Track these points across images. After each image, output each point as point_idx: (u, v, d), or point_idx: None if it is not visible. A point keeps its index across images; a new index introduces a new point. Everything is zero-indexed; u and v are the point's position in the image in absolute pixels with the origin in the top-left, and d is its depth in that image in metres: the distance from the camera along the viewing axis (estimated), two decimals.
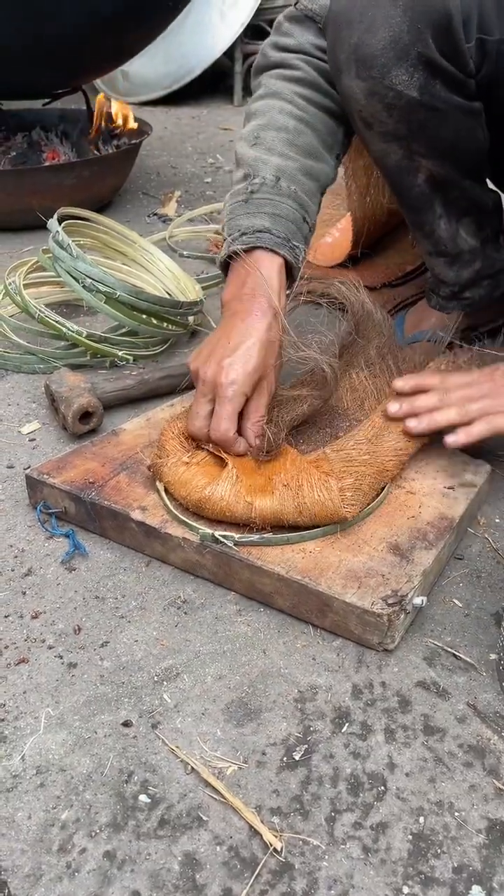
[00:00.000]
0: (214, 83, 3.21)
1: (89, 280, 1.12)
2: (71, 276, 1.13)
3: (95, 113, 1.91)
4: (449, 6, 0.80)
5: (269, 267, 0.86)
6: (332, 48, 0.89)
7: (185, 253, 1.53)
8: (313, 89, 0.94)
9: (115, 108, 1.93)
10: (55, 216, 1.20)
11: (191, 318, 1.26)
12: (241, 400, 0.81)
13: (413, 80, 0.85)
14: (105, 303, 1.13)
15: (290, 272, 0.89)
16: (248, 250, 0.87)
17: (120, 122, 1.92)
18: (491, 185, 1.09)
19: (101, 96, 1.92)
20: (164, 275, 1.33)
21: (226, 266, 0.91)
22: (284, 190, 0.89)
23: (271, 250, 0.86)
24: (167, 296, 1.29)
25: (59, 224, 1.18)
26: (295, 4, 0.95)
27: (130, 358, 1.18)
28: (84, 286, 1.13)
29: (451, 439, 0.83)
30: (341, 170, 1.64)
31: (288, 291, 0.89)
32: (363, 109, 0.90)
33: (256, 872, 0.54)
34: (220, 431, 0.80)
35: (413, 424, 0.85)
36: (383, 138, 0.92)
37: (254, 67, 1.00)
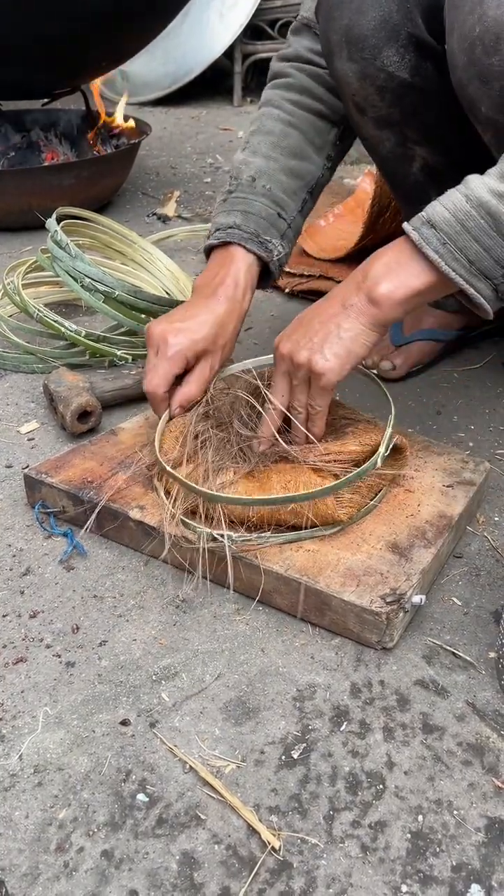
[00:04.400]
0: (214, 83, 3.21)
1: (88, 279, 1.12)
2: (69, 275, 1.13)
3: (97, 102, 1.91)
4: None
5: (239, 262, 0.90)
6: (324, 32, 0.91)
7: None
8: (303, 94, 0.98)
9: (119, 108, 1.93)
10: (53, 216, 1.19)
11: None
12: (180, 362, 0.84)
13: (404, 61, 0.87)
14: (104, 302, 1.13)
15: (267, 266, 0.92)
16: (223, 245, 0.91)
17: (120, 120, 1.92)
18: None
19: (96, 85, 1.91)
20: (162, 274, 1.33)
21: (208, 257, 0.95)
22: (259, 189, 0.93)
23: (242, 246, 0.90)
24: (166, 295, 1.29)
25: (58, 224, 1.17)
26: (296, 17, 1.00)
27: (129, 357, 1.18)
28: (83, 285, 1.13)
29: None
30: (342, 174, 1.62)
31: (269, 288, 0.95)
32: (356, 93, 0.91)
33: (255, 871, 0.54)
34: (150, 385, 0.84)
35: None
36: (376, 124, 0.94)
37: (267, 78, 1.05)
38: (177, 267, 1.35)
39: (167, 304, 1.18)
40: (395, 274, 0.72)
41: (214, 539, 0.74)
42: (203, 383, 0.86)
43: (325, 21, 0.90)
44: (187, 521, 0.76)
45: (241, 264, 0.89)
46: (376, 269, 0.73)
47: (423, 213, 0.71)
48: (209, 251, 0.93)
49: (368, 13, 0.85)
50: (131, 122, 1.93)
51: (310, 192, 0.98)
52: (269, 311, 1.38)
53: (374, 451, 0.79)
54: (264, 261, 0.91)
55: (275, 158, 0.95)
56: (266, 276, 0.94)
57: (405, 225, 0.71)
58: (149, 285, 1.30)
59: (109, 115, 1.95)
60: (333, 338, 0.75)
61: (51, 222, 1.17)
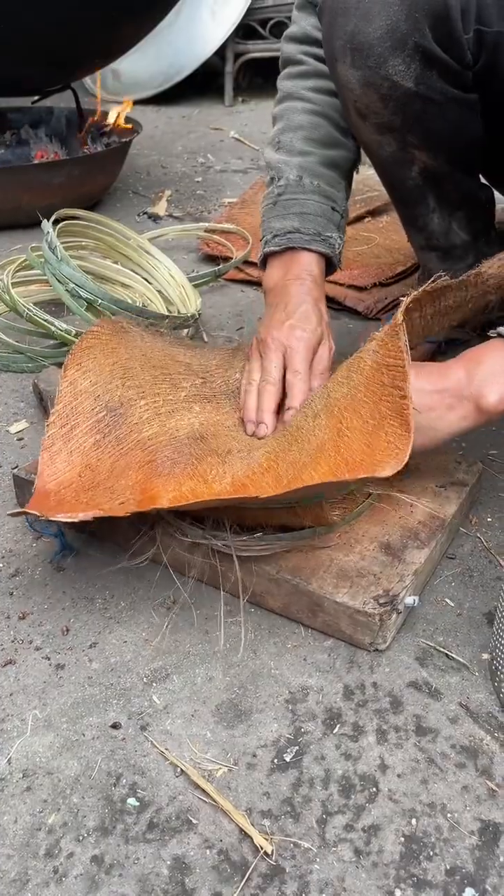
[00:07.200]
0: (205, 83, 3.19)
1: (72, 284, 1.11)
2: (57, 279, 1.12)
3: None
4: None
5: (305, 262, 0.93)
6: (327, 36, 0.88)
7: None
8: (319, 77, 0.97)
9: (115, 110, 1.92)
10: (53, 217, 1.18)
11: (184, 331, 1.23)
12: (312, 350, 0.87)
13: (409, 70, 0.84)
14: (87, 309, 1.12)
15: (330, 261, 0.96)
16: (283, 251, 0.93)
17: (112, 119, 1.91)
18: (483, 181, 1.08)
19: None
20: (166, 281, 1.31)
21: (264, 264, 0.98)
22: (308, 187, 0.94)
23: (306, 249, 0.92)
24: (165, 303, 1.27)
25: (58, 224, 1.16)
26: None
27: None
28: (67, 290, 1.11)
29: None
30: None
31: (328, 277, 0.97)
32: (358, 100, 0.89)
33: (247, 876, 0.53)
34: (301, 375, 0.85)
35: None
36: (377, 130, 0.92)
37: (280, 63, 1.05)
38: (181, 274, 1.33)
39: (152, 317, 1.15)
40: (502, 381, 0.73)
41: (207, 540, 0.74)
42: (329, 359, 0.89)
43: (329, 25, 0.87)
44: (180, 522, 0.76)
45: (307, 263, 0.93)
46: (482, 375, 0.73)
47: None
48: (267, 258, 0.95)
49: (375, 21, 0.82)
50: (121, 119, 1.92)
51: (347, 178, 1.00)
52: (260, 312, 1.37)
53: None
54: (328, 256, 0.94)
55: (311, 152, 0.96)
56: (329, 268, 0.97)
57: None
58: (148, 289, 1.28)
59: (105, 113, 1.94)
60: (427, 429, 0.75)
61: (46, 224, 1.16)
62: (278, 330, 0.87)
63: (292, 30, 1.00)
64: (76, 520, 0.67)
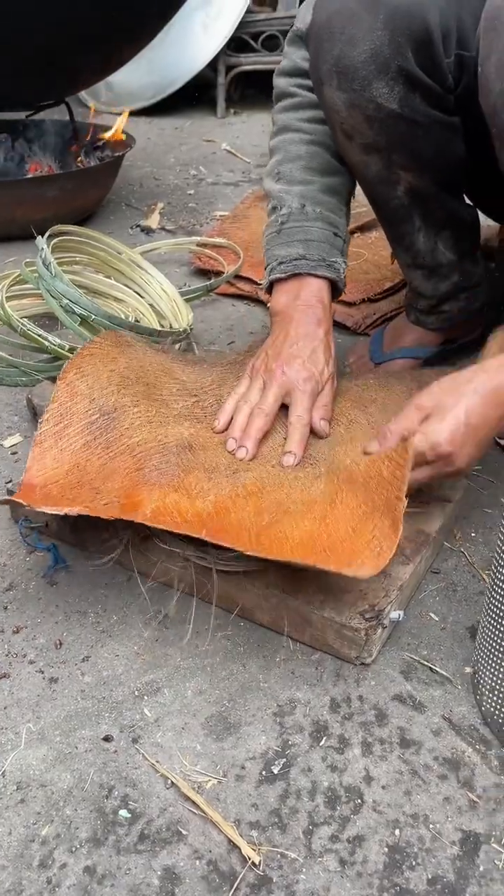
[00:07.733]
0: (197, 95, 3.22)
1: (66, 300, 1.13)
2: (51, 295, 1.14)
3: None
4: (428, 21, 0.82)
5: (313, 287, 0.95)
6: (313, 60, 0.92)
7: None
8: (313, 108, 1.00)
9: (117, 123, 1.94)
10: (47, 233, 1.20)
11: (176, 346, 1.25)
12: (316, 395, 0.89)
13: (393, 93, 0.87)
14: (80, 324, 1.13)
15: (335, 285, 0.98)
16: (289, 277, 0.95)
17: (110, 133, 1.93)
18: (468, 201, 1.11)
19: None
20: (158, 296, 1.33)
21: (269, 290, 1.00)
22: (311, 214, 0.97)
23: (312, 274, 0.95)
24: (158, 317, 1.29)
25: (53, 239, 1.17)
26: (292, 27, 1.02)
27: None
28: (61, 305, 1.13)
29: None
30: None
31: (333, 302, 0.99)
32: (344, 121, 0.92)
33: (235, 886, 0.55)
34: (304, 420, 0.87)
35: None
36: (363, 150, 0.95)
37: (273, 97, 1.08)
38: (173, 288, 1.35)
39: (145, 333, 1.17)
40: None
41: (197, 555, 0.75)
42: (332, 402, 0.91)
43: (316, 50, 0.90)
44: (166, 535, 0.77)
45: (316, 289, 0.95)
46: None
47: None
48: (272, 284, 0.97)
49: (359, 45, 0.85)
50: (119, 132, 1.94)
51: (347, 204, 1.03)
52: (251, 326, 1.40)
53: None
54: (333, 280, 0.96)
55: (312, 181, 0.98)
56: (334, 292, 0.98)
57: None
58: (140, 304, 1.30)
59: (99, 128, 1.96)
60: (488, 441, 0.77)
61: (40, 240, 1.17)
62: (288, 366, 0.89)
63: (284, 64, 1.03)
64: (61, 513, 0.70)
